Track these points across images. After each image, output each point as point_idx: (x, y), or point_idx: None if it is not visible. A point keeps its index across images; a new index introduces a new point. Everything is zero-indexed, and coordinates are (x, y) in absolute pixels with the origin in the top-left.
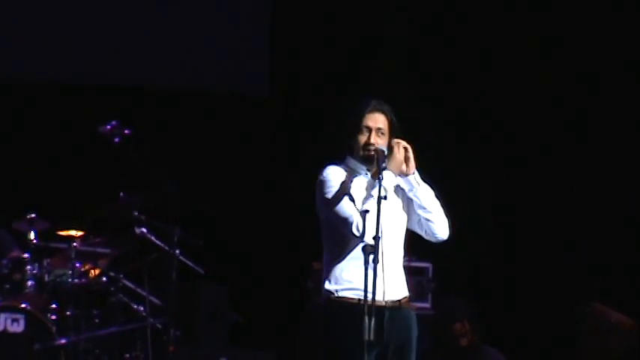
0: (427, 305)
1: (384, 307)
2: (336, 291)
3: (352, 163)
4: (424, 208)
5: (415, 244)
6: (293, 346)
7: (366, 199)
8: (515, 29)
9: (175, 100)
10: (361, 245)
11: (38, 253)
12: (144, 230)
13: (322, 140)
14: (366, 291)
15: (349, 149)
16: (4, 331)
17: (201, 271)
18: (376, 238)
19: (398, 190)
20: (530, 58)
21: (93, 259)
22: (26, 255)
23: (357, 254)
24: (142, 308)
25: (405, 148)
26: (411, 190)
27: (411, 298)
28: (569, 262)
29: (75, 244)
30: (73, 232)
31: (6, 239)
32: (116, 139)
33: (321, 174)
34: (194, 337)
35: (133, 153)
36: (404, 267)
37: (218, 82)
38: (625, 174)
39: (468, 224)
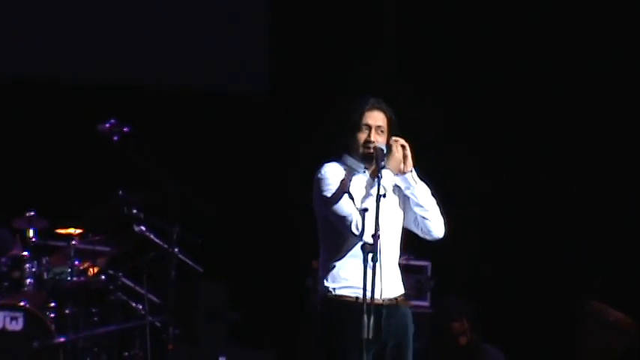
0: (426, 304)
1: (382, 305)
2: (334, 289)
3: (350, 161)
4: (421, 206)
5: (414, 242)
6: (293, 345)
7: (365, 197)
8: (516, 29)
9: (175, 100)
10: (360, 244)
11: (37, 251)
12: (143, 228)
13: (322, 140)
14: (365, 289)
15: (346, 147)
16: (3, 329)
17: (201, 270)
18: (375, 236)
19: (395, 188)
20: (531, 58)
21: (92, 257)
22: (25, 253)
23: (355, 252)
24: (141, 306)
25: (403, 146)
26: (407, 188)
27: (406, 296)
28: (568, 262)
29: (74, 242)
30: (72, 230)
31: (5, 237)
32: (115, 138)
33: (319, 171)
34: (193, 335)
35: (132, 151)
36: (400, 265)
37: (218, 82)
38: (625, 174)
39: (468, 223)
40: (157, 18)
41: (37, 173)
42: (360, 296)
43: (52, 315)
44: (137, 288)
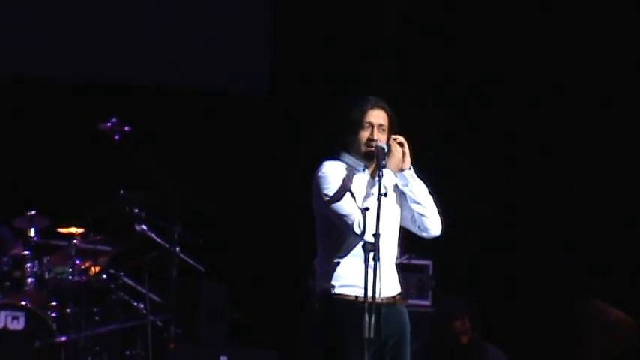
0: (427, 303)
1: (380, 303)
2: (333, 288)
3: (349, 159)
4: (419, 204)
5: (416, 242)
6: (293, 344)
7: (366, 196)
8: (516, 29)
9: (175, 99)
10: (361, 243)
11: (38, 250)
12: (144, 228)
13: (322, 140)
14: (366, 288)
15: (345, 146)
16: (5, 329)
17: (202, 269)
18: (376, 235)
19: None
20: (531, 58)
21: (93, 256)
22: (26, 252)
23: (355, 251)
24: (142, 306)
25: (401, 144)
26: (406, 185)
27: (402, 295)
28: (568, 262)
29: (75, 241)
30: (73, 230)
31: (6, 236)
32: (116, 137)
33: (320, 170)
34: (194, 334)
35: (133, 151)
36: (397, 264)
37: (218, 82)
38: (625, 174)
39: (468, 223)
40: (157, 18)
41: (38, 173)
42: (360, 295)
43: (54, 314)
44: (138, 287)
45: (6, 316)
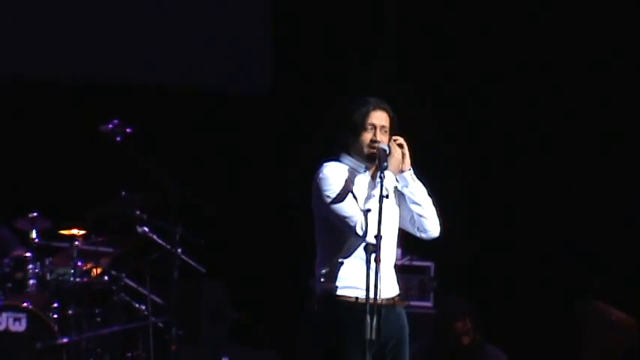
0: (429, 304)
1: (380, 305)
2: (333, 289)
3: (350, 161)
4: (418, 204)
5: (417, 243)
6: (294, 345)
7: (367, 198)
8: (516, 29)
9: (175, 99)
10: (363, 244)
11: (40, 251)
12: (146, 229)
13: (322, 140)
14: (368, 289)
15: (346, 147)
16: (6, 330)
17: (203, 270)
18: (378, 237)
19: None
20: (531, 58)
21: (95, 258)
22: (28, 254)
23: (356, 253)
24: (143, 307)
25: (401, 145)
26: (405, 186)
27: (401, 296)
28: (568, 262)
29: (77, 242)
30: (75, 231)
31: (8, 238)
32: (118, 138)
33: (321, 171)
34: (196, 335)
35: (135, 152)
36: (398, 265)
37: (218, 82)
38: (625, 174)
39: (469, 223)
40: (158, 18)
41: (40, 174)
42: (360, 296)
43: (55, 316)
44: (140, 289)
45: (7, 318)
